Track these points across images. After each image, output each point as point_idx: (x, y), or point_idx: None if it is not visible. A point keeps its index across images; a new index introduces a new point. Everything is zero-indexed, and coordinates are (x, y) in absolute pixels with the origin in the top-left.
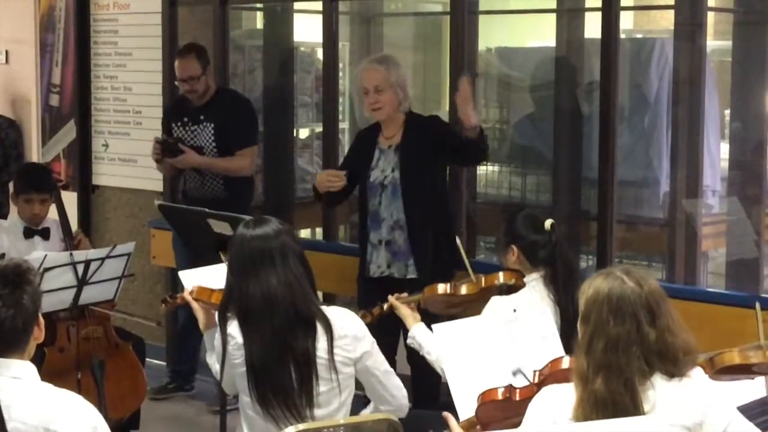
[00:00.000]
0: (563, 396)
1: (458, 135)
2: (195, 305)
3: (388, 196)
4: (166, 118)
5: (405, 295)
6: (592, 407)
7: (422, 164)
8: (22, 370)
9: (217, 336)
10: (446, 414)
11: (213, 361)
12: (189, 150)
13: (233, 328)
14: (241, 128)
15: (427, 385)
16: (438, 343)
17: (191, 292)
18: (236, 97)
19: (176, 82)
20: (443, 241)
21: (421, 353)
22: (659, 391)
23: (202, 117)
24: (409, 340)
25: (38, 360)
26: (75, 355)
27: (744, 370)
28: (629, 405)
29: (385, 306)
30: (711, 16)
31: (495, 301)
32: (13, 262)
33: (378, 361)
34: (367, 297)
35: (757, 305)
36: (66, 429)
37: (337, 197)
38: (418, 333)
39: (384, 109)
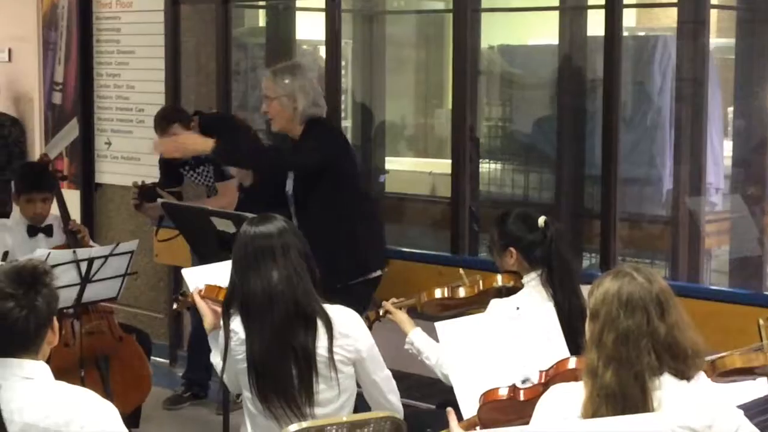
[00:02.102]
0: (572, 394)
1: None
2: (202, 305)
3: (294, 207)
4: (170, 164)
5: (402, 299)
6: (602, 400)
7: (313, 175)
8: (34, 370)
9: (221, 332)
10: (449, 409)
11: (218, 361)
12: (168, 195)
13: (236, 323)
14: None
15: None
16: (437, 347)
17: (200, 292)
18: (217, 125)
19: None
20: (339, 254)
21: (419, 358)
22: (668, 390)
23: (202, 156)
24: (407, 346)
25: None
26: (79, 350)
27: (745, 373)
28: (639, 399)
29: (381, 311)
30: (714, 14)
31: (495, 304)
32: (31, 263)
33: (378, 364)
34: None
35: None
36: (83, 430)
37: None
38: (416, 338)
39: (274, 120)
